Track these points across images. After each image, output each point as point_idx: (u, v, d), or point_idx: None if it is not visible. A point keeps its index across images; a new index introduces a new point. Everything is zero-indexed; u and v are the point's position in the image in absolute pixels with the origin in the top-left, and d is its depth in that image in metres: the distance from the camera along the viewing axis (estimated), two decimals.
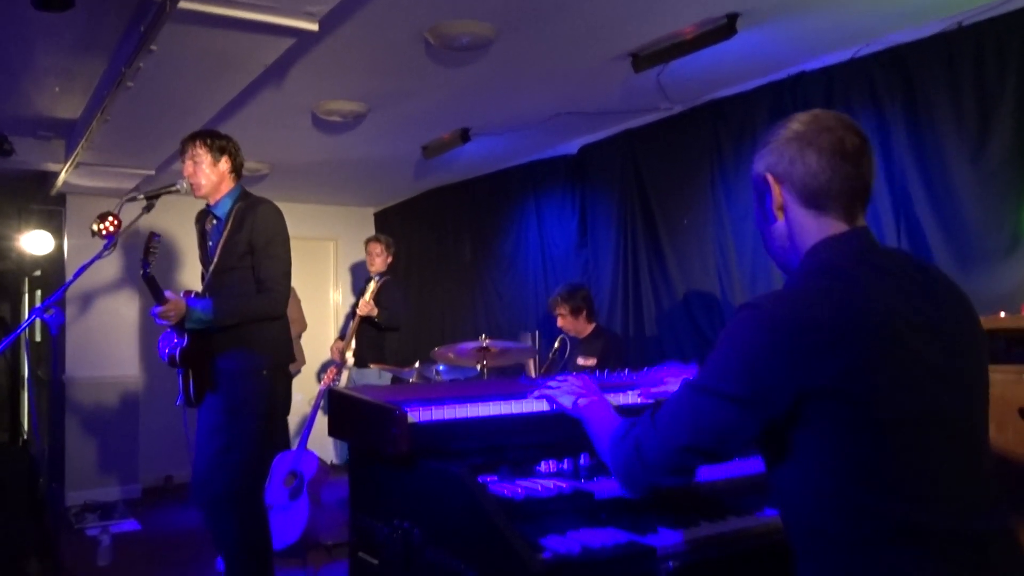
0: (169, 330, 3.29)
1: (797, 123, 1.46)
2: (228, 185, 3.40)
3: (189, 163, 3.35)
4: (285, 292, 3.34)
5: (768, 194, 1.48)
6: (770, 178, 1.47)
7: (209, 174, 3.34)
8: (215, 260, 3.32)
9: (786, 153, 1.44)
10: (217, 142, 3.36)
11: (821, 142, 1.42)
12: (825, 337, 1.27)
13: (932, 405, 1.30)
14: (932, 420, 1.30)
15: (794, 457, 1.34)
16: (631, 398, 2.03)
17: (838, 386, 1.26)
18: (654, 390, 2.07)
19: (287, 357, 3.50)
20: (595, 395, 1.82)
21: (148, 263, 3.06)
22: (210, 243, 3.42)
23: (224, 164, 3.37)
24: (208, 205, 3.43)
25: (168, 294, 3.10)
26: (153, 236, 3.13)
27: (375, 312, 5.23)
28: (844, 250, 1.40)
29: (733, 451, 1.39)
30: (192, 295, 3.29)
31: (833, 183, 1.41)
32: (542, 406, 1.91)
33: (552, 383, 1.94)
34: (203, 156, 3.33)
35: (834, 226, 1.42)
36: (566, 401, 1.85)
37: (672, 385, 2.06)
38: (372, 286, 5.40)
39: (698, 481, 1.87)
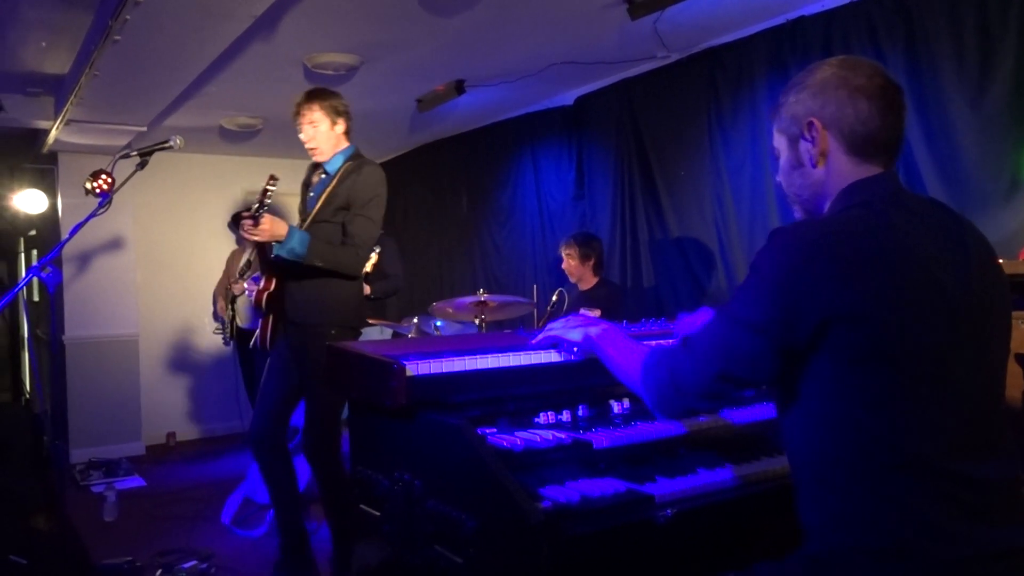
0: (257, 275, 3.40)
1: (839, 67, 1.44)
2: (343, 145, 3.41)
3: (308, 127, 3.32)
4: (368, 252, 3.39)
5: (807, 139, 1.46)
6: (817, 123, 1.44)
7: (328, 136, 3.34)
8: (314, 211, 3.35)
9: (833, 98, 1.42)
10: (333, 103, 3.34)
11: (871, 89, 1.41)
12: (853, 261, 1.28)
13: (953, 341, 1.31)
14: (952, 357, 1.31)
15: (810, 388, 1.35)
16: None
17: (863, 311, 1.26)
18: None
19: (357, 319, 3.49)
20: (604, 324, 1.81)
21: (265, 204, 3.12)
22: (311, 194, 3.44)
23: (341, 126, 3.37)
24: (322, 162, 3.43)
25: (267, 217, 3.11)
26: (274, 177, 3.19)
27: (368, 291, 5.16)
28: (877, 190, 1.40)
29: (766, 379, 1.40)
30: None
31: (881, 131, 1.41)
32: (540, 358, 1.91)
33: (555, 324, 1.93)
34: (321, 120, 3.32)
35: (871, 171, 1.43)
36: (575, 336, 1.84)
37: None
38: (373, 257, 5.25)
39: (697, 428, 1.89)
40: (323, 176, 3.42)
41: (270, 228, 3.10)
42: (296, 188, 3.63)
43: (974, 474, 1.28)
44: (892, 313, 1.27)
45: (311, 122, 3.31)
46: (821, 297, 1.28)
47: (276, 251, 3.21)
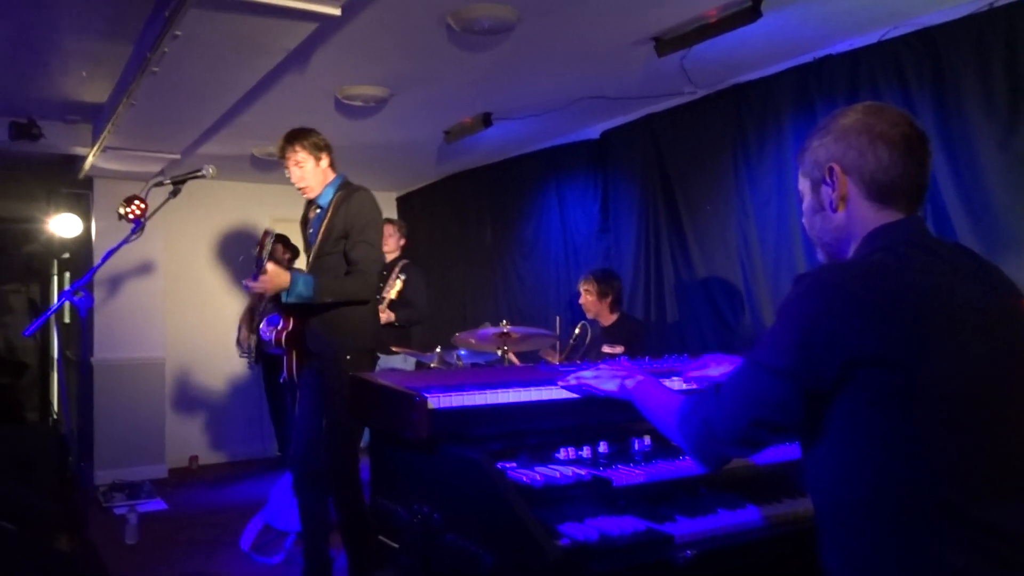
0: (274, 315, 3.53)
1: (863, 114, 1.45)
2: (330, 177, 3.52)
3: (294, 169, 3.45)
4: (374, 275, 3.50)
5: (828, 184, 1.48)
6: (837, 168, 1.46)
7: (315, 174, 3.46)
8: (315, 246, 3.48)
9: (855, 144, 1.44)
10: (313, 140, 3.46)
11: (894, 136, 1.42)
12: (875, 303, 1.28)
13: (981, 384, 1.30)
14: (979, 400, 1.29)
15: (835, 431, 1.34)
16: (676, 384, 2.01)
17: (886, 354, 1.26)
18: (696, 374, 2.04)
19: (373, 342, 3.58)
20: (640, 374, 1.83)
21: (263, 260, 3.31)
22: (311, 231, 3.56)
23: (324, 161, 3.49)
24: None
25: (268, 266, 3.26)
26: (268, 233, 3.41)
27: (393, 318, 5.20)
28: (902, 235, 1.41)
29: (798, 423, 1.40)
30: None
31: (903, 179, 1.42)
32: (562, 393, 1.91)
33: (585, 372, 1.93)
34: (306, 159, 3.44)
35: (894, 217, 1.43)
36: (611, 386, 1.84)
37: (714, 370, 2.04)
38: (398, 284, 5.29)
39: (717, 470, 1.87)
40: (318, 211, 3.54)
41: (273, 281, 3.24)
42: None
43: (1006, 523, 1.26)
44: (916, 356, 1.27)
45: (296, 163, 3.44)
46: (844, 340, 1.28)
47: (285, 299, 3.32)
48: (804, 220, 1.59)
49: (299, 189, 3.51)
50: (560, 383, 1.95)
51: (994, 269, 1.45)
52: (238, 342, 6.37)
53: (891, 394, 1.27)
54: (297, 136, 3.45)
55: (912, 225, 1.43)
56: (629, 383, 1.80)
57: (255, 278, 3.26)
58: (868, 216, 1.45)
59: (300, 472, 3.50)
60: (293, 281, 3.27)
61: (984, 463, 1.28)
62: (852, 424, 1.32)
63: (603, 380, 1.87)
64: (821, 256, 1.58)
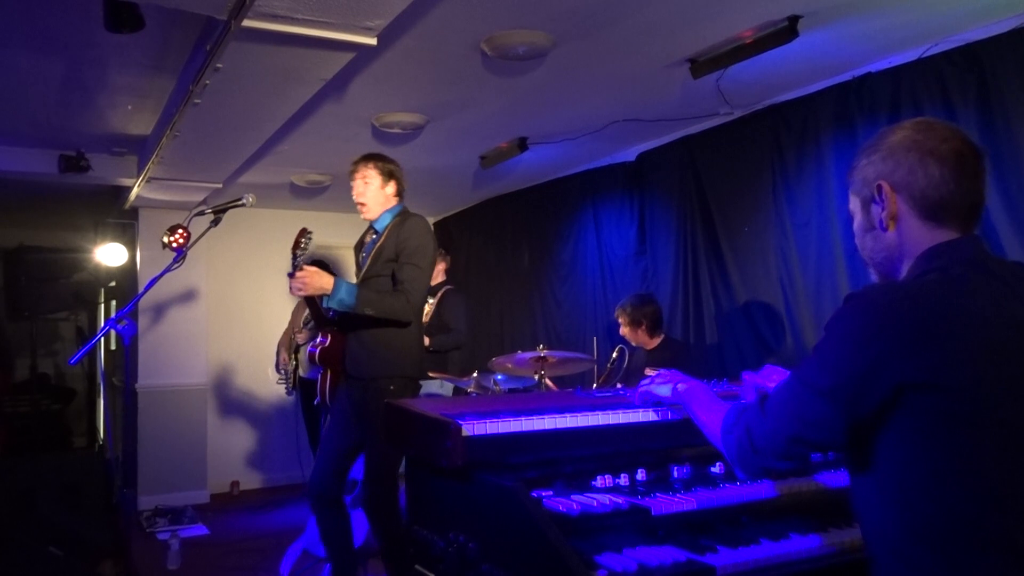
0: (322, 335, 3.54)
1: (912, 130, 1.43)
2: (391, 204, 3.56)
3: (360, 182, 3.51)
4: (419, 299, 3.46)
5: (877, 202, 1.45)
6: (886, 186, 1.43)
7: (377, 195, 3.51)
8: (365, 267, 3.50)
9: (904, 161, 1.41)
10: (387, 166, 3.53)
11: (944, 152, 1.38)
12: (927, 326, 1.24)
13: None
14: None
15: (885, 456, 1.30)
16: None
17: (937, 378, 1.22)
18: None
19: (417, 371, 3.52)
20: (692, 380, 1.86)
21: (298, 258, 3.31)
22: (364, 254, 3.59)
23: (391, 187, 3.55)
24: (370, 220, 3.59)
25: (307, 268, 3.28)
26: (305, 232, 3.39)
27: (427, 343, 5.19)
28: (957, 256, 1.37)
29: (838, 443, 1.38)
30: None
31: (955, 196, 1.38)
32: (597, 419, 1.89)
33: (644, 381, 1.99)
34: (374, 177, 3.51)
35: (948, 236, 1.40)
36: (664, 391, 1.89)
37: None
38: (427, 308, 5.32)
39: (758, 499, 1.82)
40: (373, 236, 3.57)
41: (311, 281, 3.22)
42: (355, 239, 3.80)
43: None
44: (971, 380, 1.22)
45: (364, 178, 3.50)
46: (894, 363, 1.25)
47: (326, 303, 3.31)
48: (856, 240, 1.56)
49: (358, 205, 3.53)
50: (634, 399, 2.00)
51: None
52: (277, 366, 6.43)
53: (944, 420, 1.23)
54: (375, 156, 3.55)
55: (968, 244, 1.39)
56: (681, 387, 1.84)
57: (292, 276, 3.26)
58: (921, 235, 1.41)
59: (316, 495, 3.48)
60: (336, 286, 3.25)
61: None
62: (902, 450, 1.27)
63: (659, 386, 1.92)
64: (874, 276, 1.54)
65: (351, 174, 3.55)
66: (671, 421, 1.95)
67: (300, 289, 3.25)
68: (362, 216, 3.57)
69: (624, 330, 4.58)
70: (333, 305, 3.27)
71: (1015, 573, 1.19)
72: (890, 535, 1.31)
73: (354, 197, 3.53)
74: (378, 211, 3.52)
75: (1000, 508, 1.21)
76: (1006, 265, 1.40)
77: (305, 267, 3.26)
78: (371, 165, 3.50)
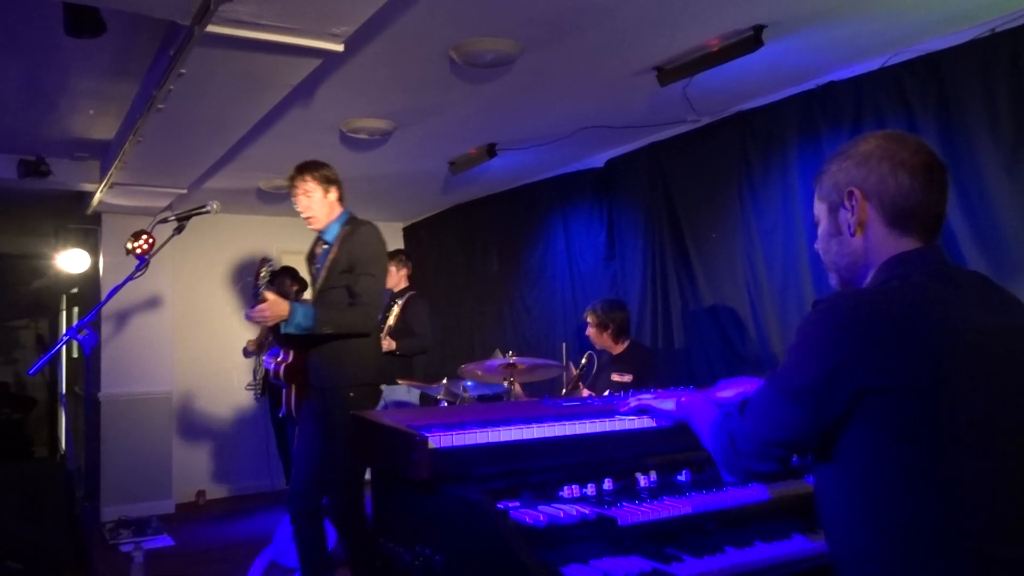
0: (276, 347, 3.51)
1: (884, 140, 1.46)
2: (337, 211, 3.53)
3: (302, 197, 3.48)
4: (375, 309, 3.49)
5: (846, 208, 1.48)
6: (857, 192, 1.45)
7: (322, 204, 3.48)
8: (320, 280, 3.48)
9: (876, 169, 1.44)
10: (323, 172, 3.49)
11: (915, 164, 1.42)
12: (889, 332, 1.27)
13: (1001, 414, 1.27)
14: (1000, 431, 1.26)
15: (848, 460, 1.33)
16: None
17: (898, 382, 1.25)
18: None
19: (376, 377, 3.55)
20: (694, 394, 1.92)
21: (259, 288, 3.28)
22: (317, 266, 3.57)
23: (333, 193, 3.51)
24: (319, 231, 3.57)
25: (267, 295, 3.26)
26: (265, 261, 3.37)
27: (394, 347, 5.19)
28: (920, 264, 1.40)
29: (810, 446, 1.42)
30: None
31: (922, 206, 1.42)
32: (564, 430, 1.88)
33: (645, 396, 2.03)
34: (314, 188, 3.47)
35: (912, 244, 1.43)
36: (668, 405, 1.92)
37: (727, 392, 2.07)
38: (395, 309, 5.33)
39: (724, 507, 1.83)
40: (324, 247, 3.54)
41: (272, 310, 3.24)
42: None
43: None
44: (932, 384, 1.25)
45: (305, 192, 3.46)
46: (856, 368, 1.27)
47: (284, 329, 3.32)
48: (818, 244, 1.58)
49: (305, 219, 3.52)
50: (621, 408, 2.02)
51: (1012, 297, 1.43)
52: (245, 351, 6.33)
53: (904, 423, 1.25)
54: (308, 167, 3.49)
55: (930, 254, 1.42)
56: (683, 399, 1.88)
57: (253, 308, 3.27)
58: (886, 243, 1.44)
59: (297, 510, 3.45)
60: (292, 311, 3.27)
61: (1006, 499, 1.25)
62: (864, 454, 1.30)
63: (662, 400, 1.96)
64: (834, 282, 1.56)
65: (291, 191, 3.52)
66: (637, 430, 1.96)
67: (262, 321, 3.30)
68: (310, 227, 3.55)
69: (591, 331, 4.58)
70: (291, 331, 3.29)
71: (983, 574, 1.21)
72: (859, 537, 1.32)
73: (300, 213, 3.51)
74: (325, 221, 3.50)
75: (966, 510, 1.23)
76: (963, 273, 1.44)
77: (266, 294, 3.25)
78: (307, 177, 3.45)
